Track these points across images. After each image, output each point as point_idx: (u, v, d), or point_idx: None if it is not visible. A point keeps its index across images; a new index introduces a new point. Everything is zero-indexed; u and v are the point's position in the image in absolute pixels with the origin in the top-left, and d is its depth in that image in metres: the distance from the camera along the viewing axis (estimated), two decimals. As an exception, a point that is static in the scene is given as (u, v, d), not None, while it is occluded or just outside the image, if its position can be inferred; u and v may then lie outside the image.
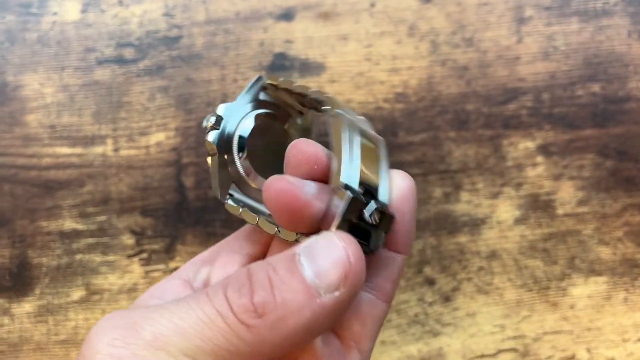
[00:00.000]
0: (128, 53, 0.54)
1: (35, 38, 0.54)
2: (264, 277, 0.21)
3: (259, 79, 0.31)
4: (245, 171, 0.29)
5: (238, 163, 0.29)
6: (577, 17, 0.54)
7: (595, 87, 0.53)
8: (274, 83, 0.30)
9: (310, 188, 0.25)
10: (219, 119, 0.28)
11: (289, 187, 0.24)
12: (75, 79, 0.54)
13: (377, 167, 0.25)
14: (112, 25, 0.55)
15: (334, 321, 0.22)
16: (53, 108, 0.53)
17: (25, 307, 0.50)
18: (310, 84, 0.53)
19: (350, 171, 0.24)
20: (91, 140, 0.52)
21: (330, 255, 0.22)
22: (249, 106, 0.30)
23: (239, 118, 0.29)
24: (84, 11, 0.55)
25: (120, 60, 0.54)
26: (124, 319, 0.22)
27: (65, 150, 0.52)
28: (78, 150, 0.52)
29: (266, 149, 0.29)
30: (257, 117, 0.30)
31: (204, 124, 0.29)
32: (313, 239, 0.23)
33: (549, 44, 0.54)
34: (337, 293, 0.21)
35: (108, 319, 0.23)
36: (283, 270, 0.22)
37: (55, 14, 0.55)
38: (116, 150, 0.52)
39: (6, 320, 0.50)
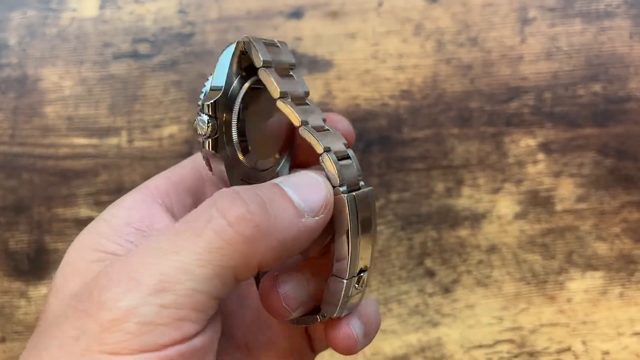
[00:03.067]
0: (143, 48, 0.56)
1: (55, 33, 0.56)
2: (253, 194, 0.23)
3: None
4: (243, 150, 0.28)
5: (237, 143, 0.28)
6: (580, 18, 0.56)
7: (597, 87, 0.54)
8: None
9: None
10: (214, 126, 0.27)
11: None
12: (92, 72, 0.56)
13: (370, 248, 0.27)
14: (128, 22, 0.57)
15: (308, 243, 0.25)
16: (71, 100, 0.55)
17: (42, 290, 0.52)
18: (318, 81, 0.55)
19: (354, 268, 0.26)
20: (106, 132, 0.54)
21: (313, 187, 0.24)
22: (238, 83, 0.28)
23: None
24: (101, 8, 0.57)
25: (135, 56, 0.56)
26: (123, 267, 0.22)
27: (82, 141, 0.54)
28: (94, 141, 0.54)
29: (256, 122, 0.29)
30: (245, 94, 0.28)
31: (201, 129, 0.27)
32: (290, 175, 0.25)
33: (552, 45, 0.55)
34: (317, 217, 0.24)
35: (105, 266, 0.23)
36: (269, 191, 0.23)
37: (74, 10, 0.57)
38: (130, 141, 0.54)
39: (23, 302, 0.52)
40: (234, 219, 0.22)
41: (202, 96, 0.27)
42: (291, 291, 0.26)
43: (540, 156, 0.53)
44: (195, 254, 0.21)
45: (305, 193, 0.24)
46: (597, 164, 0.53)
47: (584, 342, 0.50)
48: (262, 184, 0.25)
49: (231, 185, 0.27)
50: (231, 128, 0.27)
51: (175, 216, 0.27)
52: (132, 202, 0.26)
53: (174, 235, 0.22)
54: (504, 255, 0.52)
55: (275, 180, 0.25)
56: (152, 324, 0.20)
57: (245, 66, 0.28)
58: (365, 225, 0.26)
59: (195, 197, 0.29)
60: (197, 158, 0.29)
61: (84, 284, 0.22)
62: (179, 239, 0.21)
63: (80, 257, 0.24)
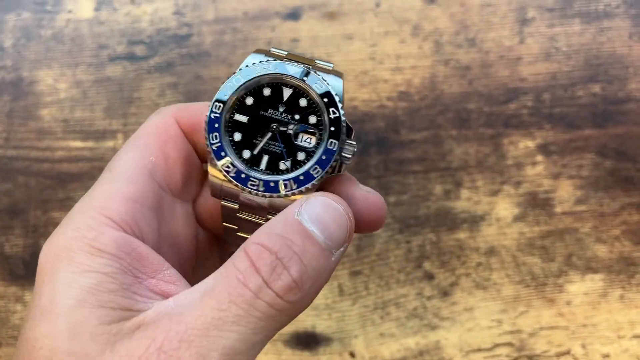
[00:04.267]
0: (139, 50, 0.56)
1: (50, 35, 0.56)
2: (289, 251, 0.23)
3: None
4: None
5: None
6: (579, 18, 0.55)
7: (596, 88, 0.54)
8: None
9: None
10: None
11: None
12: (88, 75, 0.55)
13: None
14: (124, 23, 0.56)
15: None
16: (66, 103, 0.55)
17: (38, 294, 0.52)
18: (315, 82, 0.54)
19: None
20: (102, 135, 0.54)
21: (334, 219, 0.25)
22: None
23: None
24: (97, 9, 0.56)
25: (131, 57, 0.56)
26: (186, 342, 0.22)
27: (78, 143, 0.54)
28: (90, 144, 0.54)
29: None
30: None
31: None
32: (309, 202, 0.25)
33: (551, 45, 0.55)
34: (342, 248, 0.25)
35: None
36: (299, 239, 0.24)
37: (69, 11, 0.56)
38: (126, 144, 0.54)
39: (19, 307, 0.52)
40: (282, 290, 0.23)
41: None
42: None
43: (539, 158, 0.53)
44: (252, 324, 0.22)
45: (330, 231, 0.24)
46: (596, 166, 0.53)
47: (583, 345, 0.50)
48: (289, 224, 0.24)
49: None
50: None
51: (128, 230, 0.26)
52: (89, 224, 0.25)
53: (227, 303, 0.23)
54: (503, 258, 0.51)
55: (298, 214, 0.24)
56: None
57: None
58: None
59: (155, 211, 0.27)
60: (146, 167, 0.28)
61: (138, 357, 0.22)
62: (233, 308, 0.22)
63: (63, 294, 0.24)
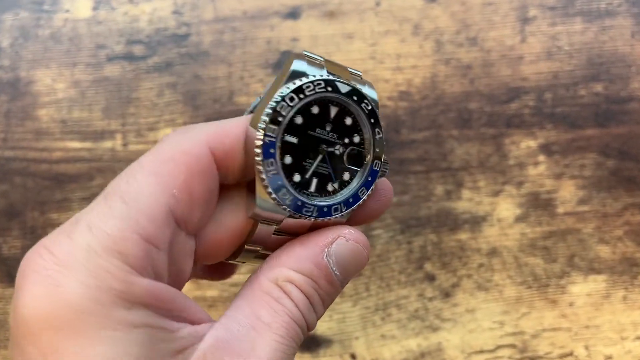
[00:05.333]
0: (137, 50, 0.55)
1: (47, 34, 0.56)
2: (317, 297, 0.26)
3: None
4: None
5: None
6: (580, 17, 0.55)
7: (598, 87, 0.54)
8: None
9: None
10: None
11: None
12: (86, 75, 0.55)
13: None
14: (123, 23, 0.56)
15: None
16: (64, 103, 0.54)
17: (36, 296, 0.51)
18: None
19: None
20: (101, 135, 0.54)
21: (357, 263, 0.27)
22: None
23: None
24: (95, 9, 0.56)
25: (129, 57, 0.55)
26: None
27: (76, 144, 0.54)
28: (88, 144, 0.53)
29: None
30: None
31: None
32: (339, 245, 0.26)
33: (553, 44, 0.54)
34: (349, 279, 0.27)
35: None
36: (325, 284, 0.26)
37: (67, 11, 0.56)
38: (125, 145, 0.53)
39: (17, 309, 0.51)
40: (311, 326, 0.26)
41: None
42: None
43: (541, 158, 0.52)
44: (293, 352, 0.25)
45: (349, 272, 0.26)
46: (598, 166, 0.52)
47: (586, 347, 0.50)
48: (311, 255, 0.26)
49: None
50: None
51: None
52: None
53: (288, 339, 0.24)
54: (504, 259, 0.51)
55: (325, 252, 0.26)
56: None
57: None
58: None
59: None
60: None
61: None
62: (292, 343, 0.25)
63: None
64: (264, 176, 0.24)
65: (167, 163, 0.24)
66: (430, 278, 0.51)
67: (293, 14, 0.55)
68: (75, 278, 0.21)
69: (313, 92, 0.25)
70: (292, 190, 0.25)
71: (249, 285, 0.25)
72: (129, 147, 0.53)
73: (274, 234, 0.26)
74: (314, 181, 0.26)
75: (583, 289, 0.50)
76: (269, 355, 0.23)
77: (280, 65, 0.54)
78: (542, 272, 0.51)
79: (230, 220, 0.26)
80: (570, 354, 0.49)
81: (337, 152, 0.26)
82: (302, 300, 0.25)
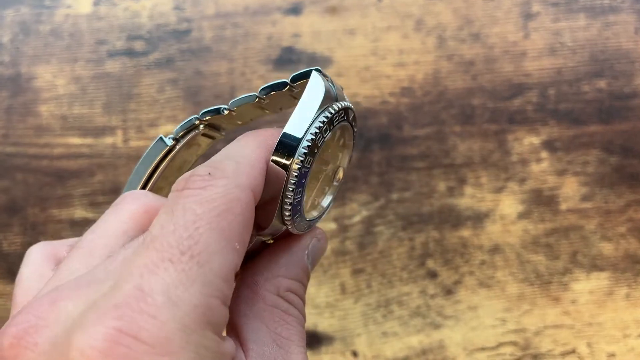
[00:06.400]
0: (138, 46, 0.55)
1: (48, 30, 0.55)
2: (304, 295, 0.27)
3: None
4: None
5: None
6: (584, 13, 0.54)
7: (601, 84, 0.53)
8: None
9: None
10: None
11: None
12: (86, 70, 0.55)
13: None
14: (123, 19, 0.56)
15: None
16: (65, 99, 0.54)
17: (36, 293, 0.51)
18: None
19: None
20: (101, 131, 0.53)
21: (321, 253, 0.28)
22: None
23: None
24: (96, 4, 0.56)
25: (130, 53, 0.55)
26: None
27: (77, 140, 0.53)
28: (89, 140, 0.53)
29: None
30: None
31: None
32: (314, 247, 0.28)
33: (556, 40, 0.54)
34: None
35: None
36: (307, 281, 0.27)
37: (68, 6, 0.56)
38: (126, 141, 0.53)
39: (18, 305, 0.51)
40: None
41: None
42: None
43: (544, 154, 0.52)
44: None
45: (316, 262, 0.28)
46: (602, 162, 0.52)
47: (589, 344, 0.49)
48: (297, 261, 0.27)
49: None
50: None
51: None
52: None
53: (303, 355, 0.25)
54: (507, 256, 0.51)
55: (306, 255, 0.27)
56: None
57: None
58: None
59: None
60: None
61: None
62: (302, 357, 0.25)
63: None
64: (289, 205, 0.24)
65: (224, 214, 0.21)
66: (432, 275, 0.51)
67: (295, 10, 0.55)
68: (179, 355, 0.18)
69: (338, 122, 0.25)
70: (304, 215, 0.25)
71: (254, 302, 0.24)
72: (130, 143, 0.53)
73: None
74: (309, 201, 0.27)
75: (586, 286, 0.50)
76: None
77: (282, 61, 0.54)
78: (545, 269, 0.51)
79: None
80: (573, 351, 0.49)
81: (330, 173, 0.27)
82: (301, 304, 0.26)
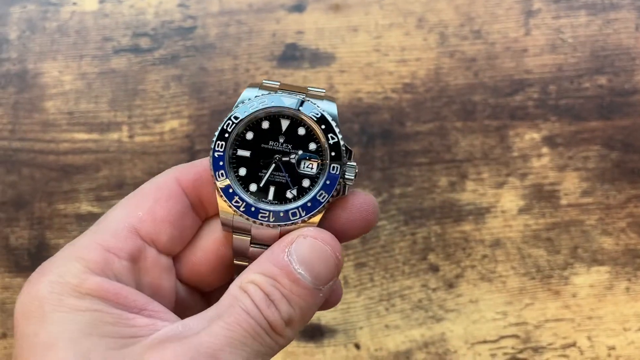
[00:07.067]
0: (144, 42, 0.56)
1: (55, 27, 0.56)
2: (278, 294, 0.26)
3: None
4: None
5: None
6: (585, 10, 0.55)
7: (602, 80, 0.54)
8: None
9: None
10: None
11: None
12: (92, 67, 0.55)
13: None
14: (129, 16, 0.56)
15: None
16: (71, 95, 0.55)
17: (43, 286, 0.52)
18: (320, 74, 0.54)
19: None
20: (107, 127, 0.54)
21: (322, 260, 0.27)
22: None
23: None
24: (102, 1, 0.56)
25: (136, 50, 0.56)
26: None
27: (83, 136, 0.54)
28: (94, 136, 0.54)
29: None
30: None
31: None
32: (297, 242, 0.27)
33: (557, 37, 0.55)
34: (331, 283, 0.27)
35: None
36: (287, 282, 0.26)
37: (74, 4, 0.56)
38: (131, 136, 0.54)
39: (24, 298, 0.52)
40: (275, 326, 0.26)
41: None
42: None
43: (545, 150, 0.53)
44: (255, 347, 0.25)
45: (317, 272, 0.27)
46: (602, 158, 0.53)
47: (589, 338, 0.50)
48: (276, 266, 0.26)
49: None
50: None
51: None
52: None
53: (235, 325, 0.25)
54: (508, 250, 0.51)
55: (286, 252, 0.27)
56: None
57: None
58: None
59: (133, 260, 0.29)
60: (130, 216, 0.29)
61: None
62: (241, 331, 0.25)
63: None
64: (217, 187, 0.28)
65: (137, 195, 0.29)
66: (434, 269, 0.51)
67: (298, 7, 0.56)
68: (46, 279, 0.26)
69: (255, 109, 0.28)
70: (245, 198, 0.28)
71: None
72: (135, 139, 0.54)
73: (251, 245, 0.29)
74: (272, 189, 0.28)
75: (586, 280, 0.51)
76: (211, 337, 0.25)
77: (286, 57, 0.55)
78: (546, 264, 0.51)
79: (208, 243, 0.30)
80: (573, 344, 0.50)
81: (292, 160, 0.28)
82: (260, 296, 0.26)
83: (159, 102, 0.54)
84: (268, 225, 0.28)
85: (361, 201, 0.29)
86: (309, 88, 0.30)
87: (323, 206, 0.28)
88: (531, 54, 0.54)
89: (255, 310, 0.25)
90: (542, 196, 0.52)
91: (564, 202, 0.52)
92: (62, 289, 0.26)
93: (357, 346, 0.50)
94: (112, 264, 0.27)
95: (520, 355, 0.49)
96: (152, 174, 0.53)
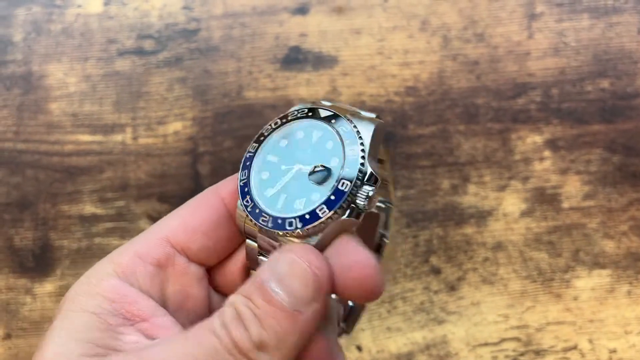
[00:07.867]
0: (148, 45, 0.56)
1: (59, 29, 0.56)
2: (249, 313, 0.24)
3: None
4: None
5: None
6: (587, 13, 0.55)
7: (605, 83, 0.54)
8: None
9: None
10: None
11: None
12: (97, 69, 0.56)
13: None
14: (133, 18, 0.56)
15: (321, 321, 0.25)
16: (76, 97, 0.55)
17: (47, 287, 0.52)
18: (323, 77, 0.54)
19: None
20: (111, 129, 0.54)
21: (297, 277, 0.24)
22: None
23: None
24: (106, 4, 0.57)
25: (140, 52, 0.56)
26: None
27: (87, 137, 0.54)
28: (98, 137, 0.54)
29: None
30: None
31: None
32: (274, 261, 0.25)
33: (560, 40, 0.55)
34: (315, 305, 0.24)
35: None
36: (260, 301, 0.24)
37: (79, 6, 0.57)
38: (135, 138, 0.54)
39: (29, 299, 0.52)
40: (246, 349, 0.24)
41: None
42: None
43: (547, 153, 0.53)
44: None
45: (294, 291, 0.24)
46: (604, 161, 0.53)
47: (590, 341, 0.50)
48: (253, 286, 0.25)
49: None
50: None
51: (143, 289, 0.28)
52: (112, 287, 0.27)
53: (193, 346, 0.24)
54: (510, 253, 0.51)
55: (263, 275, 0.25)
56: None
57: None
58: None
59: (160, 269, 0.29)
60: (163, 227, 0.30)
61: None
62: (200, 351, 0.24)
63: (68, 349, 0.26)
64: (239, 184, 0.28)
65: (181, 206, 0.30)
66: (436, 271, 0.51)
67: (302, 10, 0.56)
68: (82, 276, 0.28)
69: (295, 117, 0.29)
70: (256, 199, 0.28)
71: None
72: (139, 141, 0.54)
73: (258, 255, 0.28)
74: (282, 197, 0.27)
75: (587, 283, 0.51)
76: (162, 353, 0.24)
77: (289, 60, 0.55)
78: (547, 267, 0.51)
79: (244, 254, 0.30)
80: (575, 347, 0.50)
81: (308, 171, 0.27)
82: (231, 315, 0.24)
83: (163, 104, 0.55)
84: (261, 229, 0.27)
85: (358, 259, 0.26)
86: (359, 111, 0.29)
87: (321, 222, 0.26)
88: (534, 57, 0.54)
89: (221, 329, 0.24)
90: (543, 199, 0.52)
91: (565, 205, 0.52)
92: (82, 288, 0.27)
93: (359, 348, 0.50)
94: (137, 268, 0.28)
95: (521, 358, 0.50)
96: (155, 175, 0.53)
